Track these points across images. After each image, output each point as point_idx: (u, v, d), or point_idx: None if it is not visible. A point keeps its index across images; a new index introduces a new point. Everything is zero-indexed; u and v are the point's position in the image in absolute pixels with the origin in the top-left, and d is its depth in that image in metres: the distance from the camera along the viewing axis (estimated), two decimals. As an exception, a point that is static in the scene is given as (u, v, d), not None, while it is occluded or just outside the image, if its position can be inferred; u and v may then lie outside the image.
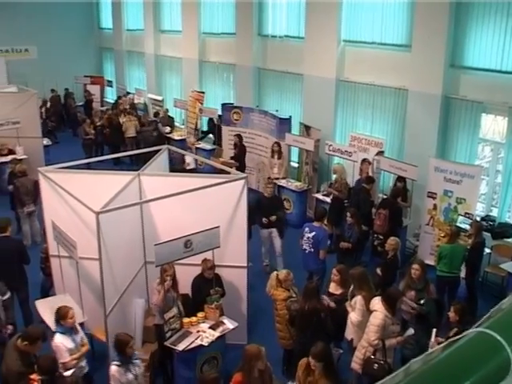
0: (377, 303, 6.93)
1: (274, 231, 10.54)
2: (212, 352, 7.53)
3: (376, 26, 12.34)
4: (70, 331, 6.72)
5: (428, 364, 2.65)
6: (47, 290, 9.03)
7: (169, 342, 7.33)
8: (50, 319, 7.69)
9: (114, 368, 6.23)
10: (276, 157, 13.65)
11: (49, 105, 22.15)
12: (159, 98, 20.39)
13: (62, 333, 6.66)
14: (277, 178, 13.37)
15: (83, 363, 6.88)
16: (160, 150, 9.26)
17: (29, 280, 9.08)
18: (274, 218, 10.31)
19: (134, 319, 7.94)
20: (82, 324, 7.73)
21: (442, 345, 2.88)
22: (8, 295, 7.84)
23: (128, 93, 22.43)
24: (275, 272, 7.99)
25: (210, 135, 17.39)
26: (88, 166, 10.44)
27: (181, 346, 7.25)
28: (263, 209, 10.43)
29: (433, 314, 7.41)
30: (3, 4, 22.49)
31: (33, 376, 6.06)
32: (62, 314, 6.68)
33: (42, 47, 23.83)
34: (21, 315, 8.81)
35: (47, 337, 6.92)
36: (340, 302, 7.63)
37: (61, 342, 6.59)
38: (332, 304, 7.58)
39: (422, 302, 7.56)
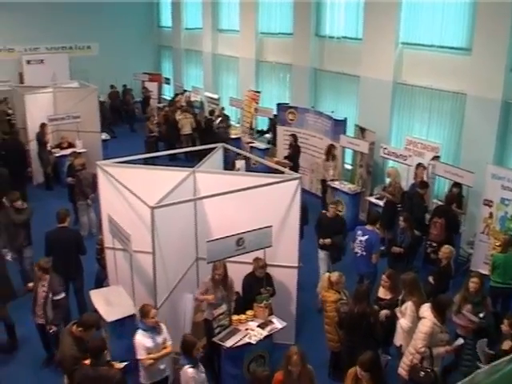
0: (426, 310, 6.83)
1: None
2: (259, 350, 7.58)
3: (435, 29, 12.12)
4: (152, 330, 6.69)
5: (492, 378, 2.58)
6: (101, 281, 9.22)
7: (217, 339, 7.41)
8: (103, 309, 7.93)
9: (190, 371, 6.23)
10: (331, 159, 13.57)
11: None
12: (215, 96, 20.55)
13: (143, 330, 6.67)
14: (332, 180, 13.31)
15: (162, 366, 6.83)
16: (215, 147, 9.39)
17: (84, 270, 9.35)
18: (328, 241, 9.74)
19: (183, 314, 8.05)
20: (132, 316, 7.94)
21: (508, 357, 2.81)
22: (61, 296, 7.97)
23: (185, 90, 22.71)
24: (327, 274, 7.97)
25: (267, 135, 17.47)
26: (144, 162, 10.64)
27: (229, 343, 7.33)
28: (322, 229, 9.90)
29: (492, 327, 7.24)
30: (67, 4, 23.21)
31: (86, 361, 6.25)
32: (144, 312, 6.69)
33: (103, 44, 24.64)
34: (75, 303, 9.09)
35: (101, 325, 7.11)
36: (389, 307, 7.57)
37: (139, 339, 6.61)
38: (386, 312, 7.52)
39: (481, 315, 7.35)
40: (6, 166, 13.31)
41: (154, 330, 6.70)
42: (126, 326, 7.86)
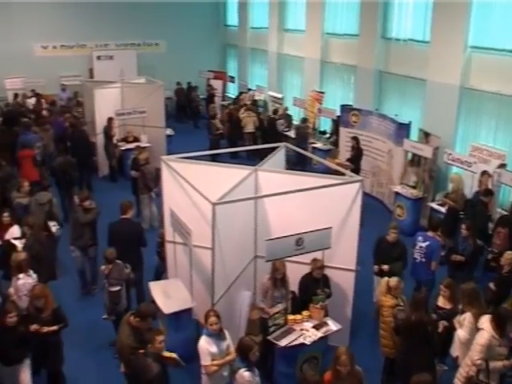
0: (485, 322, 6.66)
1: None
2: (313, 351, 7.60)
3: (507, 32, 11.73)
4: (216, 336, 6.59)
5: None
6: (160, 274, 9.41)
7: (271, 337, 7.45)
8: (161, 301, 8.10)
9: (247, 374, 6.15)
10: (415, 165, 13.21)
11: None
12: (279, 95, 20.59)
13: (207, 335, 6.59)
14: (414, 187, 13.02)
15: (225, 373, 6.67)
16: (278, 147, 9.43)
17: (144, 262, 9.55)
18: (385, 267, 8.89)
19: (239, 311, 8.11)
20: (189, 310, 8.08)
21: None
22: (115, 288, 8.20)
23: (249, 89, 22.87)
24: (386, 278, 7.88)
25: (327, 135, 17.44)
26: (212, 159, 10.80)
27: (283, 342, 7.36)
28: (380, 254, 9.12)
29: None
30: (137, 3, 23.88)
31: (142, 351, 6.39)
32: (205, 317, 6.65)
33: (170, 42, 25.22)
34: (134, 294, 9.30)
35: (157, 316, 7.27)
36: (448, 317, 7.43)
37: (203, 344, 6.52)
38: (444, 323, 7.39)
39: None
40: (73, 157, 13.83)
41: (218, 336, 6.61)
42: (181, 320, 8.04)
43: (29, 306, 7.32)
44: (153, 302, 8.15)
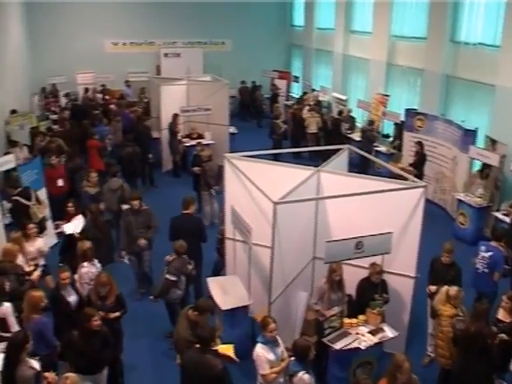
0: (547, 337, 6.47)
1: None
2: (368, 357, 7.52)
3: None
4: (271, 343, 6.48)
5: None
6: (219, 270, 9.52)
7: (327, 339, 7.43)
8: (218, 297, 8.21)
9: (306, 376, 6.07)
10: (484, 177, 12.77)
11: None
12: (343, 97, 20.44)
13: (263, 343, 6.46)
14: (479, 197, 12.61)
15: (282, 379, 6.50)
16: (341, 148, 9.38)
17: (203, 257, 9.67)
18: (433, 288, 8.24)
19: (295, 311, 8.15)
20: (246, 307, 8.15)
21: None
22: (173, 278, 8.31)
23: (313, 90, 22.81)
24: (446, 287, 7.72)
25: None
26: (274, 158, 10.84)
27: (338, 345, 7.32)
28: (434, 275, 8.53)
29: None
30: (204, 3, 24.21)
31: (198, 345, 6.48)
32: (263, 324, 6.53)
33: (236, 41, 25.54)
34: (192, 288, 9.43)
35: (215, 311, 7.36)
36: (509, 331, 7.22)
37: (261, 353, 6.40)
38: (503, 336, 7.18)
39: None
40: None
41: (273, 342, 6.52)
42: (237, 317, 8.13)
43: (90, 294, 7.57)
44: (210, 297, 8.27)
